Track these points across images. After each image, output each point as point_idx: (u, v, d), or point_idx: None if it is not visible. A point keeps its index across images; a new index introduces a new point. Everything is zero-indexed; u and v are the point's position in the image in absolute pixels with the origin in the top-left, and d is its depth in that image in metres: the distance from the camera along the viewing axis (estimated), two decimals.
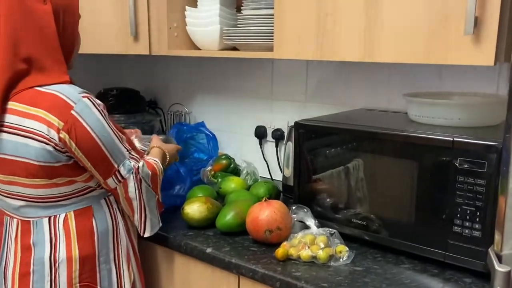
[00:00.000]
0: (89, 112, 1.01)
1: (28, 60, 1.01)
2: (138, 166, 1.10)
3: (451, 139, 1.00)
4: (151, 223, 1.16)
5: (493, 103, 1.15)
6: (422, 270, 1.06)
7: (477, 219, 0.98)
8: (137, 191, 1.10)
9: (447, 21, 1.00)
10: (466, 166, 0.98)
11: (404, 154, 1.07)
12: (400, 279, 1.03)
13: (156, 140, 1.32)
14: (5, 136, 1.02)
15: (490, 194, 0.96)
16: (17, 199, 1.07)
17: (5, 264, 1.11)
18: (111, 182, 1.07)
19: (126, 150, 1.09)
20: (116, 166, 1.06)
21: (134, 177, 1.09)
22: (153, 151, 1.27)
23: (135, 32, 1.55)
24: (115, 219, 1.14)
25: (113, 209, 1.14)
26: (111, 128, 1.06)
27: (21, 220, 1.09)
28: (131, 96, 1.91)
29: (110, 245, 1.12)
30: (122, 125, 1.84)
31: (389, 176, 1.11)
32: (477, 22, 0.96)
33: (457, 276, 1.03)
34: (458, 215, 1.00)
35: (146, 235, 1.16)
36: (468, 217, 0.99)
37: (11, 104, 1.02)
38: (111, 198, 1.14)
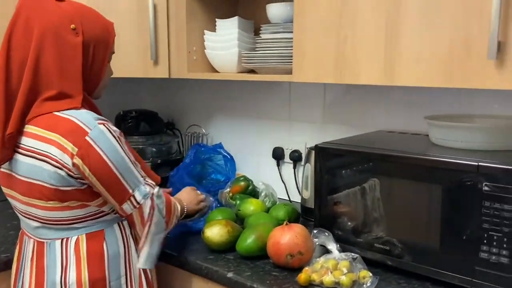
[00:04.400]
0: (103, 138, 1.02)
1: (47, 87, 1.03)
2: (153, 192, 1.08)
3: (476, 163, 0.99)
4: (146, 256, 1.10)
5: None
6: None
7: (505, 245, 0.97)
8: (148, 218, 1.07)
9: (469, 45, 1.01)
10: (492, 191, 0.97)
11: (428, 177, 1.06)
12: None
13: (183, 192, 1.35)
14: (21, 158, 1.05)
15: None
16: (33, 220, 1.09)
17: (21, 286, 1.12)
18: (126, 207, 1.06)
19: (141, 176, 1.08)
20: (131, 191, 1.05)
21: (150, 203, 1.07)
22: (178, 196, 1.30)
23: (155, 56, 1.58)
24: (127, 244, 1.12)
25: (126, 234, 1.13)
26: (126, 154, 1.06)
27: (37, 241, 1.10)
28: (150, 117, 1.93)
29: (121, 270, 1.10)
30: (141, 146, 1.87)
31: (411, 200, 1.09)
32: (500, 47, 0.96)
33: None
34: (485, 241, 0.99)
35: (138, 266, 1.12)
36: (495, 243, 0.98)
37: (29, 128, 1.04)
38: (125, 223, 1.13)
